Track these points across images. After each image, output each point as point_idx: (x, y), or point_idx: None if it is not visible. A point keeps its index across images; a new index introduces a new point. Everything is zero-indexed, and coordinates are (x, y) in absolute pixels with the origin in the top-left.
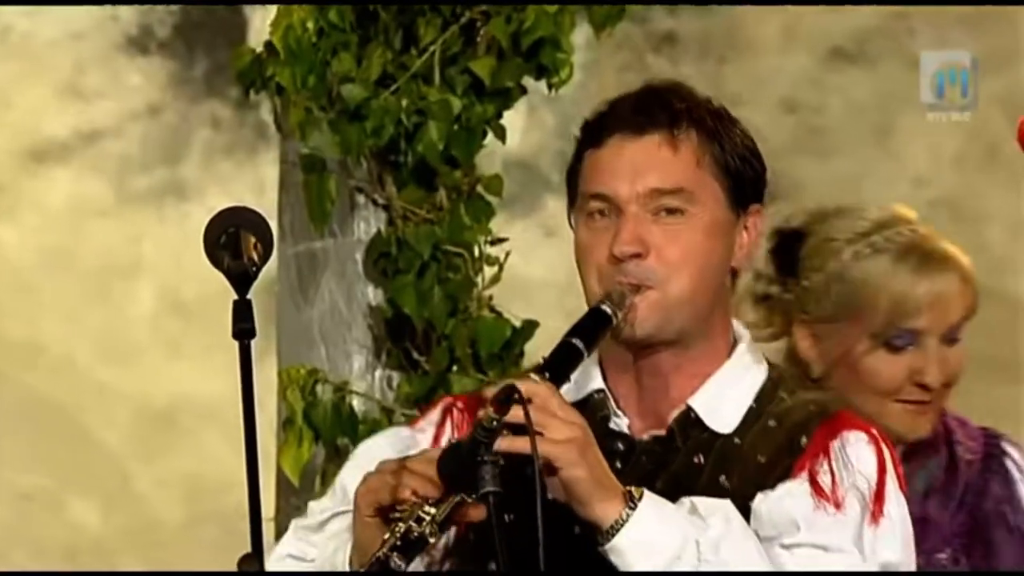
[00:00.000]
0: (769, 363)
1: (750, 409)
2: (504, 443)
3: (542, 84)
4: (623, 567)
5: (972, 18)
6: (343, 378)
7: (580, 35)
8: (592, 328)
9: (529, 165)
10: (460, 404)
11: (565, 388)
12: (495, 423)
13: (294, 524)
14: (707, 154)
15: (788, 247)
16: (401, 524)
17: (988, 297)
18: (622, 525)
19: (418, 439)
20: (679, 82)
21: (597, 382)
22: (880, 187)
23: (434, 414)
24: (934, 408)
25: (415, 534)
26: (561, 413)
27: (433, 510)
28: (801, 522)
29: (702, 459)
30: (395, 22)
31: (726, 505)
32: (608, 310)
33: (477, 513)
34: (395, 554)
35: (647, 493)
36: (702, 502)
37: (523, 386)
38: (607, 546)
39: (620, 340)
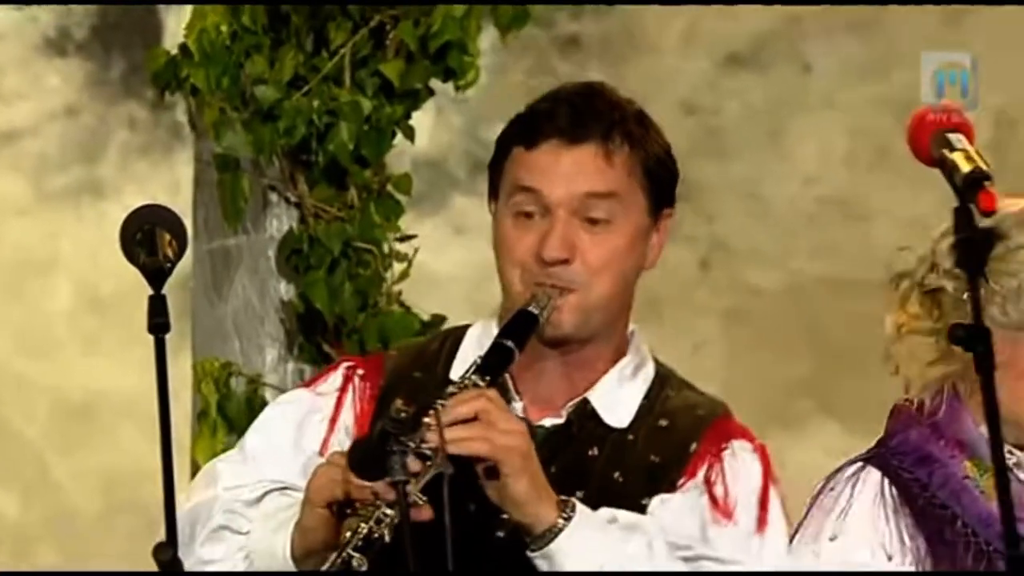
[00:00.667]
0: (655, 360)
1: (641, 405)
2: (460, 445)
3: (449, 86)
4: (550, 571)
5: (862, 24)
6: (256, 371)
7: (486, 39)
8: (522, 329)
9: (437, 164)
10: (360, 371)
11: (467, 361)
12: (403, 415)
13: (225, 497)
14: (636, 163)
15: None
16: (363, 525)
17: (875, 290)
18: (557, 533)
19: (319, 404)
20: (607, 87)
21: None
22: (773, 186)
23: (335, 379)
24: None
25: (376, 535)
26: (504, 424)
27: (391, 511)
28: (700, 536)
29: (596, 451)
30: (306, 25)
31: (645, 522)
32: (535, 312)
33: (426, 513)
34: (357, 555)
35: (578, 504)
36: (622, 515)
37: (467, 394)
38: (538, 552)
39: (541, 338)
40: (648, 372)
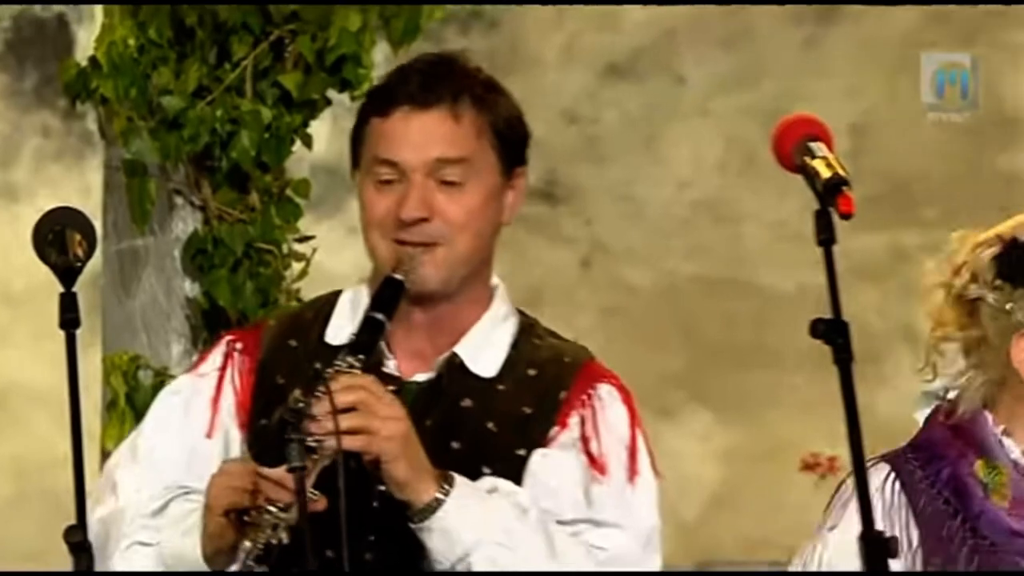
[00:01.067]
0: (519, 311)
1: (509, 355)
2: (349, 441)
3: (345, 96)
4: (433, 544)
5: (731, 38)
6: (163, 364)
7: (379, 52)
8: (389, 297)
9: (334, 170)
10: (239, 344)
11: (341, 326)
12: (301, 405)
13: (130, 511)
14: (485, 125)
15: (1016, 257)
16: (261, 534)
17: (744, 289)
18: (437, 507)
19: (201, 386)
20: (455, 54)
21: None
22: (649, 190)
23: (215, 357)
24: None
25: (274, 541)
26: (384, 411)
27: (286, 515)
28: (576, 499)
29: (469, 403)
30: (210, 39)
31: (520, 493)
32: (400, 277)
33: (321, 504)
34: (257, 565)
35: (457, 477)
36: (502, 485)
37: (345, 382)
38: (422, 525)
39: (408, 296)
40: (513, 323)
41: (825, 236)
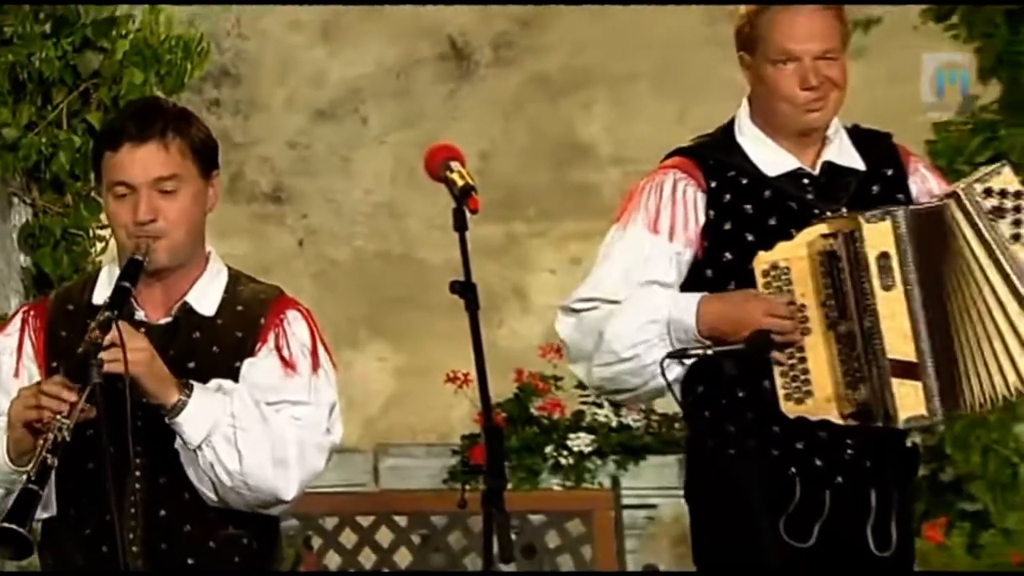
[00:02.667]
0: (228, 267)
1: (223, 298)
2: (108, 366)
3: None
4: (183, 432)
5: (398, 93)
6: (4, 312)
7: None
8: (133, 272)
9: None
10: (33, 312)
11: (102, 292)
12: (97, 341)
13: None
14: (186, 147)
15: None
16: (50, 435)
17: (408, 261)
18: (183, 406)
19: (7, 344)
20: (158, 99)
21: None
22: (346, 194)
23: (16, 322)
24: None
25: (60, 439)
26: (131, 344)
27: (67, 420)
28: (275, 385)
29: (198, 335)
30: (37, 89)
31: (240, 389)
32: (140, 258)
33: (90, 412)
34: (49, 455)
35: (195, 384)
36: (226, 384)
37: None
38: (174, 421)
39: (147, 271)
40: (224, 276)
41: (460, 225)
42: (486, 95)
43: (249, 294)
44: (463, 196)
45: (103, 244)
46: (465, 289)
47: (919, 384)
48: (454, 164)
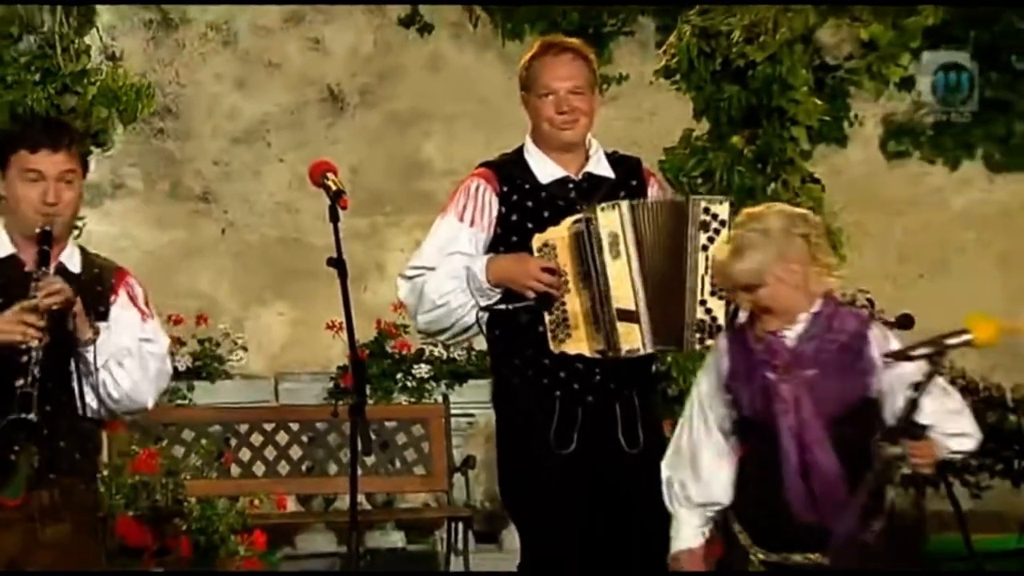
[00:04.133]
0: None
1: (82, 263)
2: (45, 301)
3: None
4: (88, 359)
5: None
6: None
7: None
8: (47, 239)
9: None
10: None
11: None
12: (40, 273)
13: None
14: (77, 154)
15: None
16: (32, 352)
17: (304, 245)
18: (95, 340)
19: None
20: (62, 119)
21: (8, 248)
22: (255, 196)
23: None
24: None
25: (40, 350)
26: (56, 286)
27: (39, 334)
28: (136, 329)
29: (74, 286)
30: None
31: (122, 334)
32: (48, 228)
33: (46, 339)
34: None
35: (101, 326)
36: (112, 326)
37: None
38: (85, 349)
39: (51, 238)
40: (75, 245)
41: (334, 218)
42: (355, 127)
43: (102, 262)
44: (336, 197)
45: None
46: (338, 264)
47: (635, 326)
48: (330, 175)
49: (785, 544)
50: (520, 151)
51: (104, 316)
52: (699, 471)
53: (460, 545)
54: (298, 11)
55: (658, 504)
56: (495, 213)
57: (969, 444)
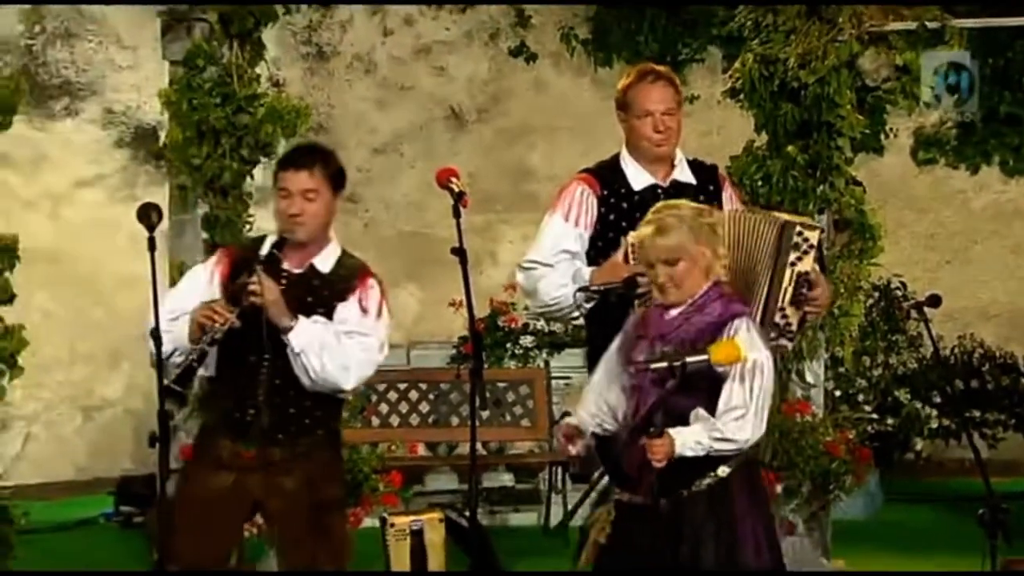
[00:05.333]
0: (341, 246)
1: (335, 264)
2: (254, 299)
3: None
4: (291, 344)
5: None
6: (192, 264)
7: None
8: (283, 243)
9: None
10: (225, 253)
11: (265, 250)
12: (248, 281)
13: (166, 314)
14: (325, 175)
15: None
16: (207, 335)
17: (428, 238)
18: (293, 327)
19: (204, 269)
20: (315, 143)
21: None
22: (389, 198)
23: (212, 260)
24: None
25: (213, 336)
26: (266, 285)
27: (221, 327)
28: (353, 322)
29: (318, 282)
30: (211, 135)
31: (331, 324)
32: (288, 236)
33: (236, 322)
34: (207, 345)
35: (301, 316)
36: (319, 319)
37: (259, 276)
38: (286, 337)
39: (292, 243)
40: (338, 250)
41: (457, 214)
42: (473, 140)
43: (349, 262)
44: (458, 198)
45: (248, 226)
46: (460, 252)
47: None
48: (453, 179)
49: (620, 483)
50: (616, 160)
51: (331, 310)
52: (592, 386)
53: (559, 484)
54: (426, 44)
55: None
56: (596, 214)
57: (724, 446)
